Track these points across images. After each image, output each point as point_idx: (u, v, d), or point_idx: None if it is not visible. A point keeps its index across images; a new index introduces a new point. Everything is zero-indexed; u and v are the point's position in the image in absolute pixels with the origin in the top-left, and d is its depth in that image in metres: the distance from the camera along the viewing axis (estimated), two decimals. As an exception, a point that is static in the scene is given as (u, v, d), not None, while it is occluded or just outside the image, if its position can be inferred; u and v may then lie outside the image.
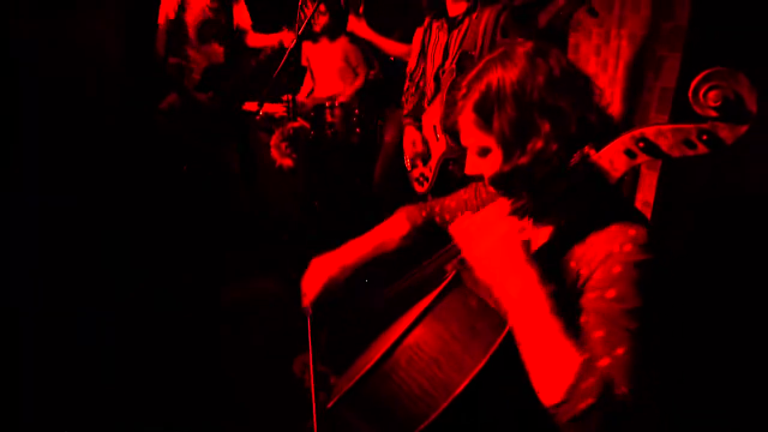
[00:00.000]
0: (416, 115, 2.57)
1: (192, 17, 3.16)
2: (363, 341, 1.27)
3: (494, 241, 0.93)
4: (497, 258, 0.92)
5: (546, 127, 0.91)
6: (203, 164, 3.34)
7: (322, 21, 3.50)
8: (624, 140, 0.84)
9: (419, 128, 2.55)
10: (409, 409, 1.05)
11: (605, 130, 0.93)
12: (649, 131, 0.82)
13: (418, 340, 1.06)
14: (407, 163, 2.65)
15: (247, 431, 2.04)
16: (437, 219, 1.45)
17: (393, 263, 1.42)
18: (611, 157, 0.86)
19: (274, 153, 2.43)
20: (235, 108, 3.37)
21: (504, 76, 0.93)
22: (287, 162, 2.41)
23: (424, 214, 1.46)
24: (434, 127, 2.44)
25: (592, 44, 2.45)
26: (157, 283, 2.76)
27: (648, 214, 1.92)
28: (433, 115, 2.44)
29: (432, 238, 1.41)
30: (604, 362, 0.85)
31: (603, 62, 2.36)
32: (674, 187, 1.85)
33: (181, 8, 3.10)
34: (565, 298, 0.95)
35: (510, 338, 0.99)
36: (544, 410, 0.90)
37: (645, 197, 1.96)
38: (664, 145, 0.81)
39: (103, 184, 2.78)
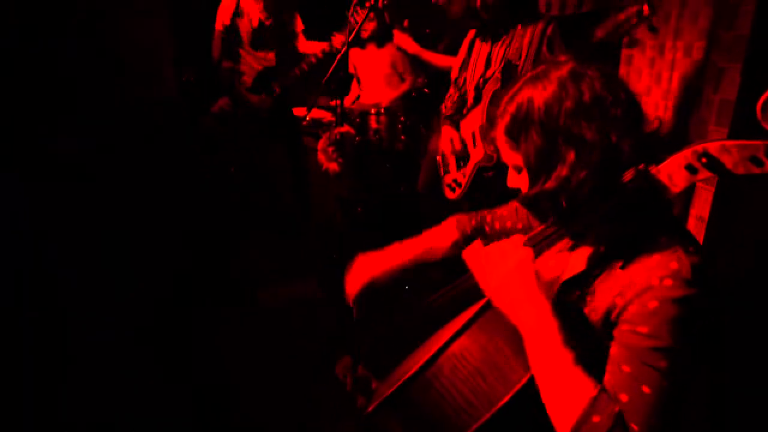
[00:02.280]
0: (454, 119, 2.57)
1: (246, 23, 3.26)
2: (407, 348, 1.28)
3: (507, 270, 0.94)
4: (510, 287, 0.94)
5: (571, 156, 0.89)
6: (250, 166, 3.43)
7: (370, 27, 3.56)
8: (686, 155, 0.82)
9: (457, 129, 2.55)
10: (451, 419, 1.05)
11: (647, 152, 0.89)
12: (713, 146, 0.79)
13: (462, 349, 1.05)
14: (438, 159, 2.63)
15: (278, 408, 2.06)
16: (487, 228, 1.44)
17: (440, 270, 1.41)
18: (671, 172, 0.83)
19: (321, 157, 2.47)
20: (286, 111, 3.45)
21: (533, 98, 0.93)
22: (333, 166, 2.45)
23: (474, 222, 1.45)
24: (472, 133, 2.43)
25: (646, 57, 2.39)
26: (195, 282, 2.81)
27: (702, 230, 1.86)
28: (471, 121, 2.43)
29: None
30: (623, 398, 0.84)
31: (657, 75, 2.30)
32: (731, 202, 1.78)
33: (236, 14, 3.21)
34: (591, 329, 0.95)
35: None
36: None
37: (699, 212, 1.89)
38: (728, 161, 0.78)
39: (151, 183, 2.87)
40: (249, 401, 2.19)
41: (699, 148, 0.81)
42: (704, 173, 0.81)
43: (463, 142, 2.51)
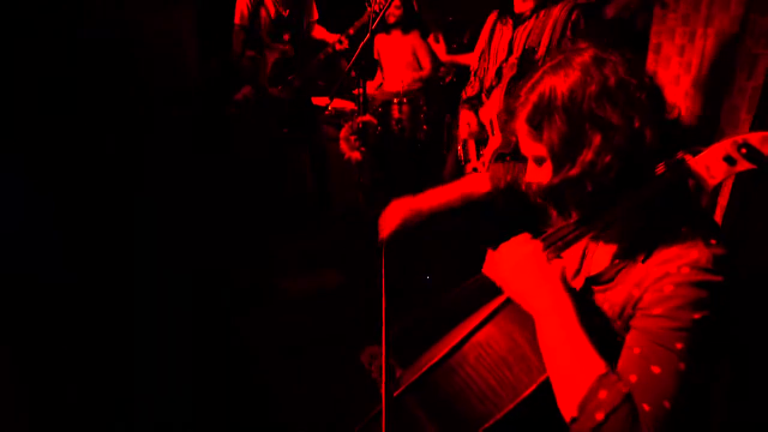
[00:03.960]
0: (473, 104, 2.55)
1: (265, 13, 3.28)
2: (432, 338, 1.28)
3: (518, 259, 0.98)
4: (521, 274, 0.96)
5: (597, 139, 0.88)
6: (271, 156, 3.46)
7: (397, 13, 3.56)
8: (725, 146, 0.80)
9: (475, 113, 2.54)
10: (475, 407, 1.05)
11: (667, 145, 0.88)
12: (754, 137, 0.77)
13: (487, 338, 1.06)
14: (459, 147, 2.64)
15: (309, 422, 2.07)
16: (523, 186, 1.43)
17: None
18: (708, 163, 0.82)
19: (343, 146, 2.47)
20: (306, 101, 3.47)
21: (555, 86, 0.92)
22: (356, 155, 2.44)
23: (509, 178, 1.45)
24: (490, 120, 2.41)
25: (676, 44, 2.33)
26: (218, 273, 2.83)
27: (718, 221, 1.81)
28: (490, 108, 2.41)
29: (516, 200, 1.44)
30: (633, 378, 0.83)
31: (687, 63, 2.24)
32: (755, 193, 1.74)
33: (255, 4, 3.23)
34: (611, 325, 0.96)
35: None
36: None
37: (720, 201, 1.85)
38: (769, 152, 0.77)
39: (175, 173, 2.89)
40: (275, 392, 2.21)
41: (739, 139, 0.79)
42: (744, 165, 0.79)
43: (481, 125, 2.49)
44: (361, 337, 1.44)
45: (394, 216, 1.48)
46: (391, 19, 3.59)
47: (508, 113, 1.02)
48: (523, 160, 1.07)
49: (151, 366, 2.21)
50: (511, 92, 2.26)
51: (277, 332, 2.55)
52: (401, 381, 1.21)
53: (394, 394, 1.15)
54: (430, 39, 3.28)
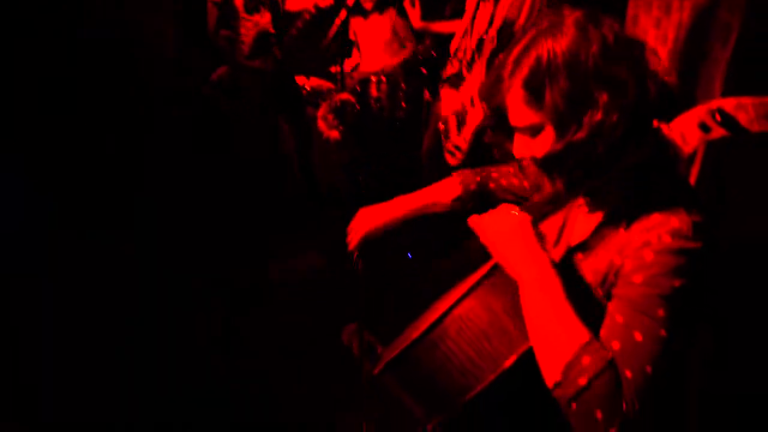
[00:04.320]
0: (453, 82, 2.54)
1: None
2: (413, 313, 1.28)
3: (508, 227, 0.97)
4: (511, 241, 0.96)
5: (604, 97, 0.86)
6: (253, 136, 3.40)
7: None
8: (698, 112, 0.80)
9: (457, 90, 2.53)
10: (456, 380, 1.05)
11: (667, 101, 0.88)
12: (728, 103, 0.78)
13: (468, 311, 1.06)
14: (441, 126, 2.63)
15: (297, 404, 2.09)
16: (492, 185, 1.42)
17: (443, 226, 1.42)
18: (683, 131, 0.82)
19: (322, 125, 2.43)
20: (289, 77, 3.40)
21: (554, 47, 0.89)
22: (334, 134, 2.41)
23: (478, 179, 1.43)
24: (471, 98, 2.40)
25: (652, 16, 2.33)
26: (203, 259, 2.81)
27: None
28: (471, 85, 2.40)
29: (485, 206, 1.41)
30: (615, 345, 0.84)
31: (663, 35, 2.25)
32: (727, 158, 1.76)
33: None
34: (593, 294, 0.96)
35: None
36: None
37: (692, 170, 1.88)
38: (743, 119, 0.77)
39: (153, 157, 2.84)
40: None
41: (713, 105, 0.79)
42: (718, 131, 0.79)
43: (462, 104, 2.49)
44: (343, 318, 1.44)
45: (359, 227, 1.45)
46: (368, 5, 3.54)
47: (494, 84, 0.99)
48: (507, 132, 1.04)
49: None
50: (493, 64, 2.25)
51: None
52: (383, 357, 1.21)
53: (375, 371, 1.15)
54: (406, 3, 3.21)
